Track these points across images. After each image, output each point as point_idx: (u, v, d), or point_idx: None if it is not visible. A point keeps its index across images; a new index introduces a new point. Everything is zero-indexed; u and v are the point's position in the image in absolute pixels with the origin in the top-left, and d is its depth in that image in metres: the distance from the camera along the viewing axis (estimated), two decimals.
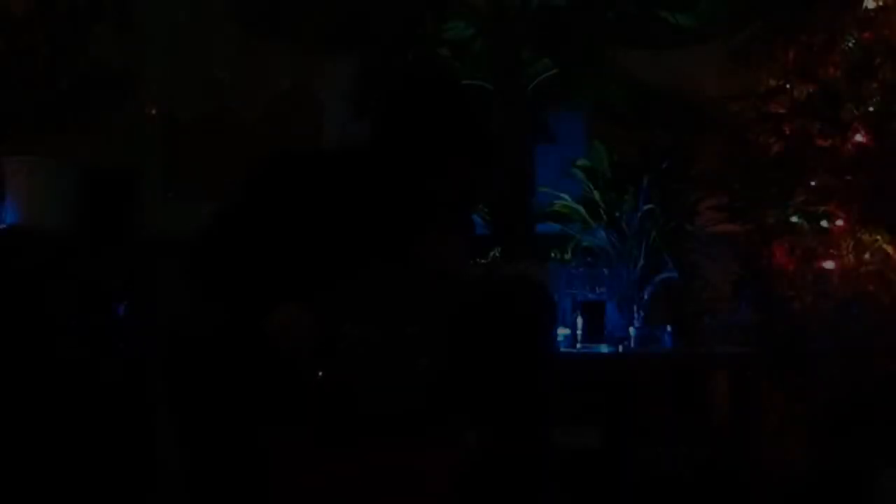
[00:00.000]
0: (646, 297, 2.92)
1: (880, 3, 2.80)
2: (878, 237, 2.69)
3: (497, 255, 2.96)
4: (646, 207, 2.90)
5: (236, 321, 1.87)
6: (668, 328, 2.75)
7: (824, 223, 2.80)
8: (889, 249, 2.68)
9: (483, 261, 2.95)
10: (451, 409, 1.89)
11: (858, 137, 2.74)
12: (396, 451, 1.84)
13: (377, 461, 1.84)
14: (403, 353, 1.87)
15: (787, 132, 2.85)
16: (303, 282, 1.87)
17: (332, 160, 2.11)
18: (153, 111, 3.52)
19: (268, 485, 1.82)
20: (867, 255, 2.71)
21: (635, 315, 2.90)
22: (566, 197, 3.09)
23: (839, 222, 2.75)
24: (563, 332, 2.83)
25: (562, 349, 2.77)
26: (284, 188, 1.98)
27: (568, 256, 3.03)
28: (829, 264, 2.76)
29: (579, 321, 2.82)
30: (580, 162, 3.10)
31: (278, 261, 1.90)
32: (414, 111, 1.98)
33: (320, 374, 1.83)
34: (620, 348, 2.75)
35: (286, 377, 1.83)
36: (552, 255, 3.02)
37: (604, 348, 2.74)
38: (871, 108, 2.74)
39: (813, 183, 2.79)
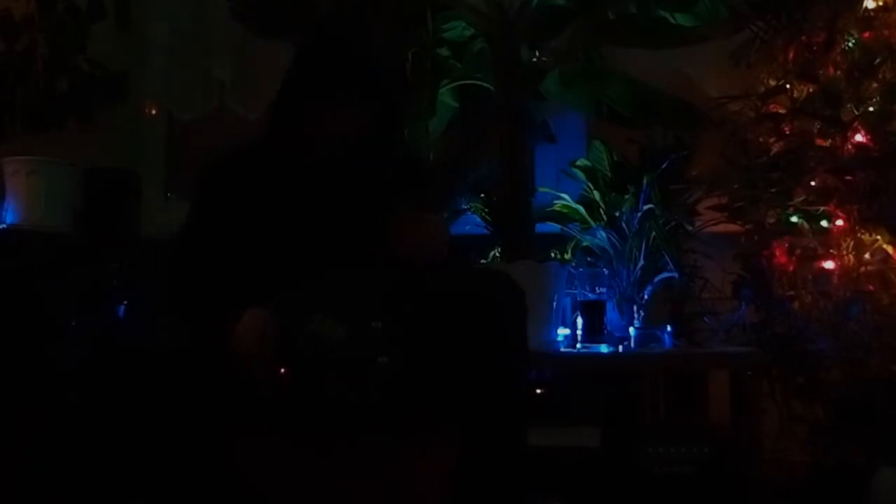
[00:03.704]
0: (646, 297, 2.92)
1: (880, 3, 2.80)
2: (878, 237, 2.69)
3: (497, 254, 2.96)
4: (646, 207, 2.90)
5: (203, 334, 1.85)
6: (668, 328, 2.75)
7: (824, 223, 2.80)
8: (889, 249, 2.68)
9: (483, 260, 2.95)
10: (418, 407, 1.83)
11: (858, 137, 2.74)
12: (366, 451, 1.81)
13: (345, 461, 1.81)
14: (366, 350, 1.82)
15: (787, 132, 2.85)
16: (267, 281, 1.83)
17: (255, 150, 2.06)
18: (153, 111, 3.53)
19: (240, 486, 1.81)
20: (867, 255, 2.71)
21: (635, 315, 2.90)
22: (566, 197, 3.09)
23: (839, 222, 2.75)
24: (563, 331, 2.84)
25: (562, 349, 2.78)
26: (220, 190, 1.96)
27: (568, 256, 3.03)
28: (829, 264, 2.76)
29: (579, 321, 2.82)
30: (580, 162, 3.10)
31: (238, 264, 1.87)
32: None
33: (282, 371, 1.80)
34: (620, 348, 2.75)
35: (250, 383, 1.80)
36: (552, 255, 3.02)
37: (604, 348, 2.75)
38: (871, 108, 2.74)
39: (813, 183, 2.79)
